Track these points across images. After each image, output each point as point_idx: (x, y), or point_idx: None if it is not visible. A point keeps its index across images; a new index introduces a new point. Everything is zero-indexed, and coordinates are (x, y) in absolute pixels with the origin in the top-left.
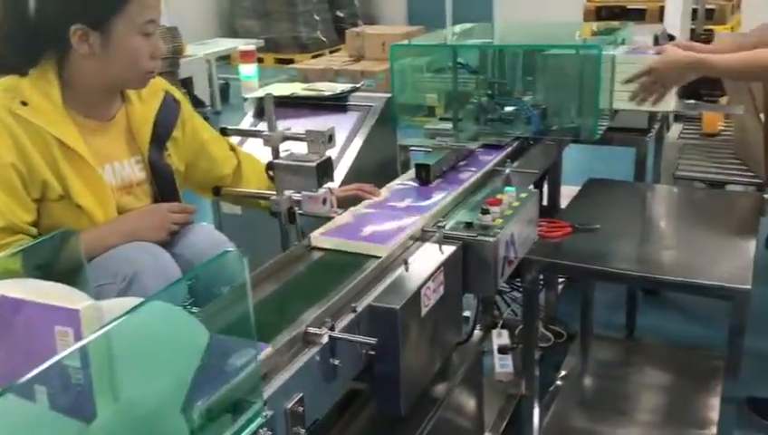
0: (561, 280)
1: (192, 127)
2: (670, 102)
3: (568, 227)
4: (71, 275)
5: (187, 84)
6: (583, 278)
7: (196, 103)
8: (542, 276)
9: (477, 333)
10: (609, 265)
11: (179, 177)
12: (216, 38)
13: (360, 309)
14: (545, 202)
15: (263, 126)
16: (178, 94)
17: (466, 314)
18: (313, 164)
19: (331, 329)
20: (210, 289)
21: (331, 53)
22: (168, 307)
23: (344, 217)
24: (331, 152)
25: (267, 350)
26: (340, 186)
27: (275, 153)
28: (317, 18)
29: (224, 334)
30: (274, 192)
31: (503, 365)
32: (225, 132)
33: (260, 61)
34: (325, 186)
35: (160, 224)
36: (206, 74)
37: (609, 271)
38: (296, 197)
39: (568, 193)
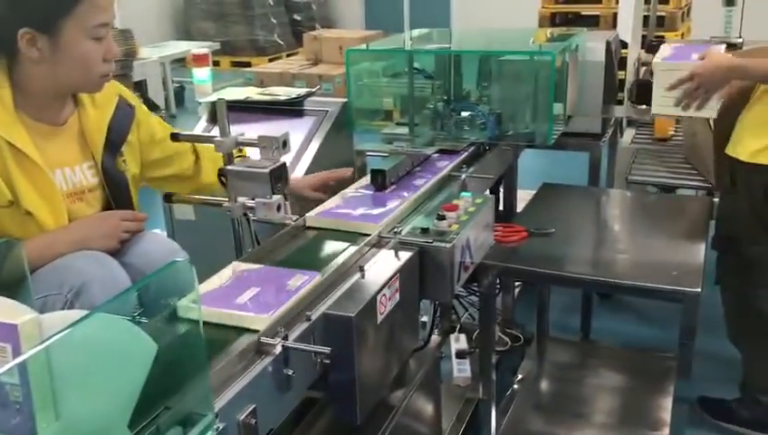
0: (517, 284)
1: (147, 127)
2: (714, 108)
3: (523, 231)
4: (13, 286)
5: (140, 87)
6: (539, 282)
7: (150, 107)
8: (498, 281)
9: (435, 338)
10: (564, 269)
11: (134, 182)
12: (170, 41)
13: (314, 317)
14: (501, 207)
15: (216, 131)
16: (132, 98)
17: (424, 319)
18: (266, 170)
19: (285, 338)
20: (161, 299)
21: (288, 56)
22: (113, 320)
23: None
24: (287, 157)
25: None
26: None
27: (228, 159)
28: (274, 21)
29: (173, 346)
30: (227, 199)
31: (460, 370)
32: (176, 138)
33: (216, 64)
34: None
35: (111, 232)
36: (161, 77)
37: (563, 275)
38: (250, 203)
39: (524, 197)
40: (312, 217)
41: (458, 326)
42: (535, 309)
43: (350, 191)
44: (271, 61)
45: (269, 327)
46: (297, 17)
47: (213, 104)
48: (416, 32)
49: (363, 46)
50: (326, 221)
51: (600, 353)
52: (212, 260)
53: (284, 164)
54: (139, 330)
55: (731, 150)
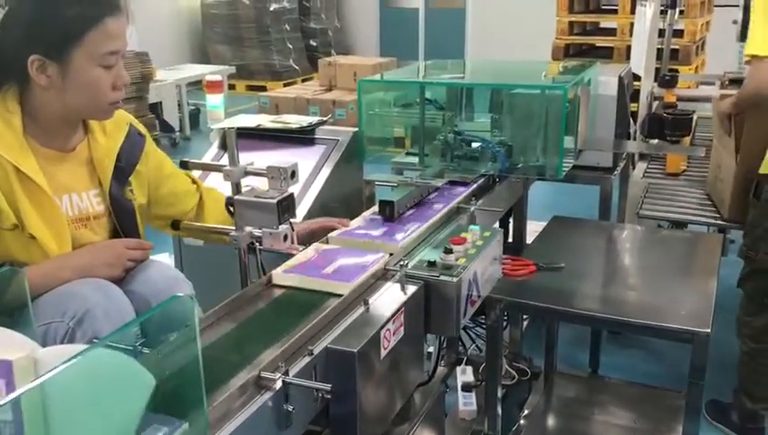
0: (525, 317)
1: (156, 161)
2: None
3: (532, 265)
4: (15, 313)
5: (156, 109)
6: (547, 318)
7: (165, 129)
8: (506, 314)
9: (441, 369)
10: (572, 305)
11: (141, 211)
12: (187, 63)
13: (316, 352)
14: (511, 238)
15: (227, 159)
16: (142, 128)
17: (430, 349)
18: (274, 201)
19: (285, 373)
20: (163, 330)
21: (303, 81)
22: (110, 355)
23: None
24: (296, 186)
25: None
26: (303, 220)
27: (236, 188)
28: (290, 46)
29: (172, 380)
30: (234, 228)
31: (466, 403)
32: (185, 166)
33: (231, 87)
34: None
35: (115, 260)
36: (176, 100)
37: (571, 312)
38: (257, 233)
39: (534, 229)
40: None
41: (465, 359)
42: (544, 342)
43: (358, 220)
44: (286, 85)
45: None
46: (313, 43)
47: (225, 130)
48: (429, 62)
49: (376, 76)
50: (344, 241)
51: (609, 389)
52: (219, 287)
53: (292, 195)
54: (137, 365)
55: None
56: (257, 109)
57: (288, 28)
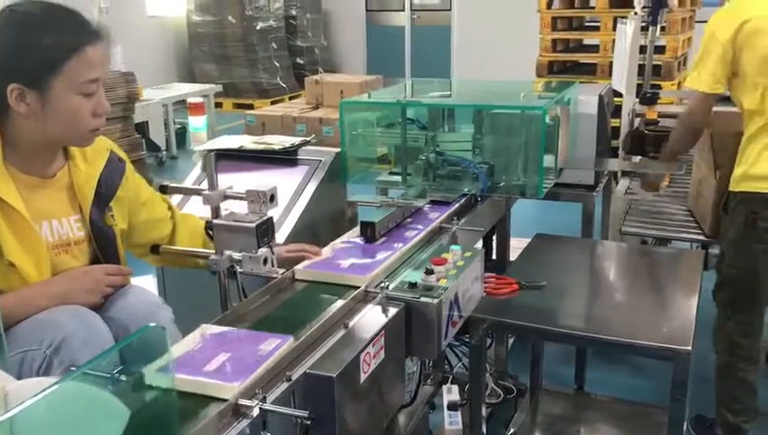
0: (510, 335)
1: (135, 187)
2: None
3: (514, 283)
4: None
5: (142, 129)
6: (529, 337)
7: (152, 148)
8: (490, 332)
9: (427, 388)
10: (554, 323)
11: (122, 236)
12: (174, 82)
13: (295, 377)
14: (495, 255)
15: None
16: (122, 153)
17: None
18: (253, 225)
19: (263, 400)
20: (143, 355)
21: (290, 99)
22: (84, 388)
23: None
24: (279, 207)
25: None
26: (286, 241)
27: (215, 212)
28: (277, 64)
29: (145, 411)
30: (213, 251)
31: (452, 422)
32: (165, 190)
33: (218, 106)
34: (273, 243)
35: (94, 286)
36: (162, 119)
37: (553, 330)
38: (236, 256)
39: (518, 245)
40: (301, 269)
41: (451, 377)
42: (529, 359)
43: (340, 241)
44: (273, 103)
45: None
46: (300, 61)
47: (208, 152)
48: (413, 81)
49: (362, 96)
50: (315, 273)
51: (594, 406)
52: (202, 309)
53: (271, 218)
54: (110, 397)
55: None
56: (244, 127)
57: (275, 46)
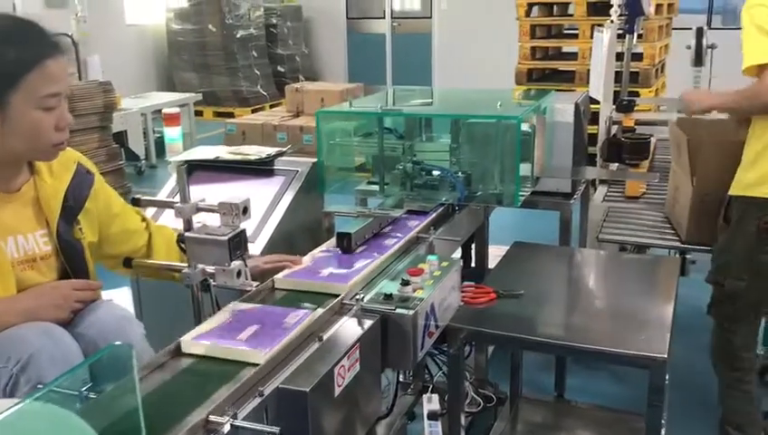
0: None
1: (105, 198)
2: None
3: (492, 292)
4: None
5: (120, 138)
6: (506, 346)
7: (131, 157)
8: (468, 342)
9: (407, 398)
10: (532, 332)
11: (93, 249)
12: (153, 91)
13: (267, 392)
14: (474, 263)
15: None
16: (91, 165)
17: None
18: (225, 238)
19: (234, 416)
20: (114, 371)
21: (271, 107)
22: (48, 409)
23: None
24: (255, 218)
25: None
26: (262, 252)
27: (188, 225)
28: (257, 73)
29: (113, 429)
30: (187, 265)
31: (432, 432)
32: (137, 203)
33: (199, 114)
34: (247, 256)
35: (62, 302)
36: (141, 128)
37: (530, 339)
38: (209, 269)
39: (497, 253)
40: (281, 278)
41: (431, 387)
42: (510, 366)
43: (317, 252)
44: (254, 111)
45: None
46: (281, 69)
47: (183, 163)
48: (393, 90)
49: (342, 105)
50: (294, 282)
51: (574, 413)
52: (178, 322)
53: (244, 231)
54: (75, 418)
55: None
56: (224, 135)
57: (255, 55)
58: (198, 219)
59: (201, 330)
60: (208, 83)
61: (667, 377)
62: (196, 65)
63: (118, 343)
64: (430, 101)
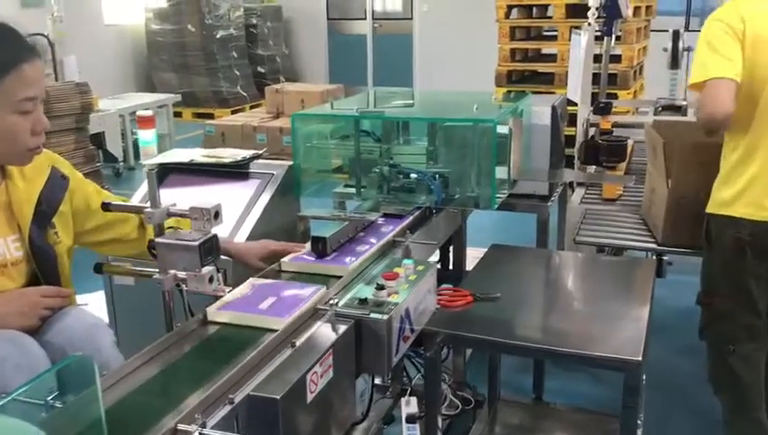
0: None
1: (83, 196)
2: None
3: (469, 295)
4: None
5: (98, 139)
6: (482, 349)
7: (109, 159)
8: (445, 345)
9: (384, 401)
10: (507, 335)
11: (68, 253)
12: (132, 92)
13: (238, 400)
14: (451, 265)
15: (161, 193)
16: (67, 167)
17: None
18: (196, 243)
19: (203, 425)
20: (82, 379)
21: (251, 108)
22: (5, 422)
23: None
24: (230, 221)
25: None
26: None
27: (158, 230)
28: (237, 73)
29: None
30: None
31: None
32: (107, 208)
33: (178, 115)
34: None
35: (29, 309)
36: (119, 129)
37: (506, 343)
38: (181, 275)
39: (476, 255)
40: (287, 261)
41: (409, 390)
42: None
43: (290, 257)
44: (234, 112)
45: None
46: (261, 69)
47: (158, 166)
48: (375, 91)
49: (310, 110)
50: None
51: (553, 416)
52: (151, 326)
53: (215, 236)
54: (32, 430)
55: (707, 208)
56: (203, 137)
57: (235, 55)
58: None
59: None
60: (188, 84)
61: (644, 378)
62: (175, 66)
63: (80, 353)
64: (408, 103)
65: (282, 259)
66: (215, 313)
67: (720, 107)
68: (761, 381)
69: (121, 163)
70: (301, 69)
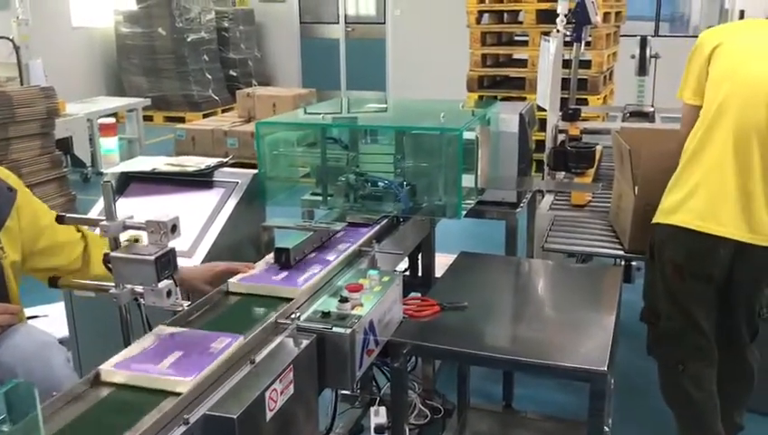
0: None
1: (31, 213)
2: None
3: (436, 305)
4: None
5: (66, 144)
6: (448, 359)
7: (77, 164)
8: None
9: (354, 411)
10: (473, 346)
11: (15, 269)
12: (102, 96)
13: (193, 420)
14: (420, 273)
15: (122, 202)
16: (16, 181)
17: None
18: (152, 258)
19: None
20: (32, 399)
21: (224, 111)
22: None
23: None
24: (194, 230)
25: None
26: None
27: (114, 244)
28: (209, 77)
29: None
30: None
31: None
32: (61, 220)
33: (149, 119)
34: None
35: None
36: (87, 134)
37: (471, 353)
38: (138, 289)
39: (445, 262)
40: (235, 282)
41: (378, 399)
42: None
43: (237, 279)
44: (205, 116)
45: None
46: (233, 73)
47: (120, 175)
48: (347, 96)
49: (274, 118)
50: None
51: (522, 423)
52: (113, 337)
53: (173, 250)
54: None
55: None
56: (174, 141)
57: (207, 59)
58: (127, 236)
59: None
60: (159, 88)
61: (612, 382)
62: (146, 69)
63: (21, 380)
64: (375, 111)
65: (229, 280)
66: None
67: (682, 131)
68: (713, 396)
69: (89, 168)
70: (273, 73)
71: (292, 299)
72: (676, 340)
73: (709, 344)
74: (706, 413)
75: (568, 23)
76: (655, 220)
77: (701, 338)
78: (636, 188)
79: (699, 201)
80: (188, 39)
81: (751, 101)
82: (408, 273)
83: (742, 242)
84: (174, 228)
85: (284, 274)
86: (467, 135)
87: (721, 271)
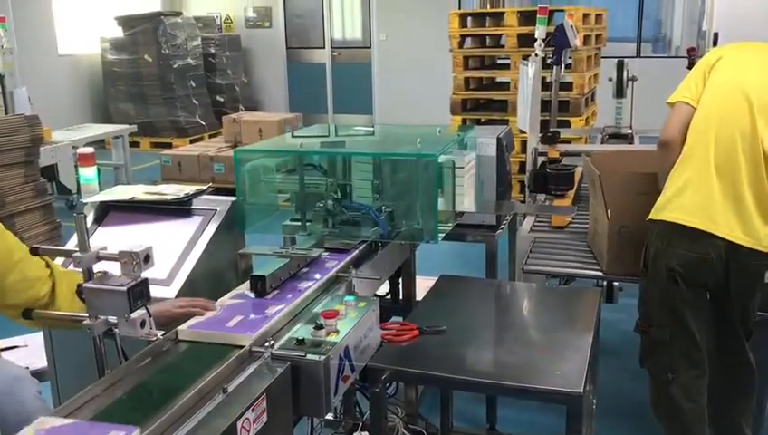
0: None
1: (4, 246)
2: None
3: (415, 329)
4: None
5: (51, 172)
6: (426, 384)
7: (62, 191)
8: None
9: None
10: (451, 370)
11: None
12: (88, 123)
13: None
14: (401, 296)
15: (101, 232)
16: None
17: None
18: (124, 289)
19: None
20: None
21: (210, 137)
22: None
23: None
24: (172, 258)
25: None
26: (178, 294)
27: (87, 275)
28: (196, 102)
29: None
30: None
31: None
32: (36, 252)
33: (135, 145)
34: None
35: None
36: (73, 161)
37: (449, 378)
38: (112, 319)
39: (426, 284)
40: (184, 329)
41: (360, 425)
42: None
43: (228, 297)
44: (193, 142)
45: None
46: (220, 98)
47: (99, 205)
48: (333, 121)
49: (253, 145)
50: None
51: None
52: (91, 370)
53: (146, 280)
54: None
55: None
56: (160, 167)
57: (193, 84)
58: (100, 268)
59: None
60: (145, 114)
61: (594, 402)
62: (132, 96)
63: (23, 394)
64: (354, 136)
65: (178, 327)
66: None
67: (665, 132)
68: (702, 408)
69: (75, 195)
70: (260, 98)
71: (243, 347)
72: (667, 347)
73: (701, 355)
74: (695, 425)
75: (547, 46)
76: (648, 218)
77: (693, 348)
78: (608, 212)
79: (686, 199)
80: (175, 65)
81: (737, 110)
82: (389, 297)
83: (735, 244)
84: (147, 259)
85: (240, 317)
86: (443, 159)
87: (715, 280)
